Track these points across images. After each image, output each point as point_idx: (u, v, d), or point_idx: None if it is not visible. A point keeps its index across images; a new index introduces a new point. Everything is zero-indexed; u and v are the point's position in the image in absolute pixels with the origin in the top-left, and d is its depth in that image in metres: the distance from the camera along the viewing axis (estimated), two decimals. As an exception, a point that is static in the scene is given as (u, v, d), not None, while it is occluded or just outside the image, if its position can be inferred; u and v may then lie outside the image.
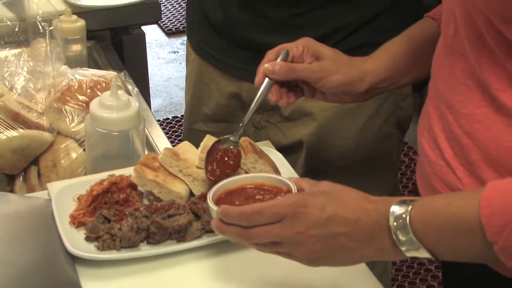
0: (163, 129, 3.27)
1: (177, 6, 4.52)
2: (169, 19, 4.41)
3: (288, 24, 1.40)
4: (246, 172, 1.12)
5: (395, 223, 0.82)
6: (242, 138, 1.17)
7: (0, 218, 1.05)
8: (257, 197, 0.96)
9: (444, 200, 0.85)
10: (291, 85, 1.15)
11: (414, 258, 2.58)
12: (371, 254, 0.87)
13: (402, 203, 0.83)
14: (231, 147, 1.13)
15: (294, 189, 0.93)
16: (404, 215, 0.82)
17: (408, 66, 1.15)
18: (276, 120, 1.48)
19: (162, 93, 3.75)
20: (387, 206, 0.83)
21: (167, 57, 4.08)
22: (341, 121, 1.42)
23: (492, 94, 0.87)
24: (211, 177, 1.11)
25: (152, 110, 1.64)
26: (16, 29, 1.44)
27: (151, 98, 3.00)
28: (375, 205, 0.85)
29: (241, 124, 1.14)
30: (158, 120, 3.34)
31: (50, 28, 1.39)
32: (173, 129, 3.39)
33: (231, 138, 1.14)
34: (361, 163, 1.43)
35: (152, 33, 4.24)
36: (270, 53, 1.14)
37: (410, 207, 0.82)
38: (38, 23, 1.39)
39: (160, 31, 4.33)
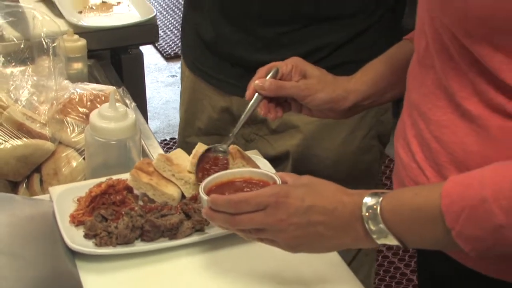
0: (161, 149, 3.36)
1: (175, 31, 4.63)
2: (168, 44, 4.52)
3: (276, 42, 1.48)
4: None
5: (367, 213, 0.91)
6: (231, 146, 1.25)
7: (9, 218, 1.13)
8: (245, 189, 1.03)
9: (411, 192, 0.93)
10: (280, 101, 1.22)
11: (390, 263, 2.65)
12: (347, 242, 0.95)
13: (374, 195, 0.92)
14: (220, 156, 1.21)
15: (278, 182, 1.01)
16: (375, 206, 0.90)
17: (389, 85, 1.24)
18: (264, 133, 1.57)
19: (161, 115, 3.85)
20: (361, 197, 0.92)
21: (165, 81, 4.18)
22: (325, 133, 1.51)
23: (457, 102, 0.95)
24: (200, 183, 1.19)
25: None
26: (22, 46, 1.53)
27: (149, 120, 3.08)
28: (351, 197, 0.94)
29: (231, 135, 1.22)
30: (156, 141, 3.43)
31: (53, 45, 1.48)
32: (171, 150, 3.47)
33: (220, 147, 1.22)
34: (344, 173, 1.51)
35: (151, 57, 4.35)
36: (261, 70, 1.22)
37: (381, 198, 0.91)
38: (43, 40, 1.48)
39: (159, 55, 4.44)
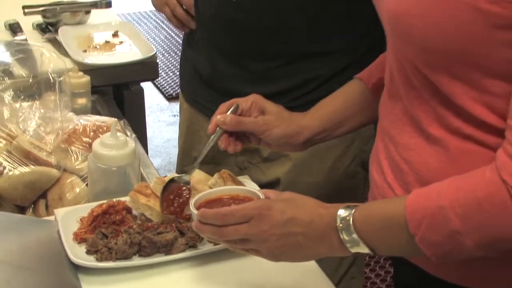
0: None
1: (177, 73, 4.77)
2: (169, 84, 4.65)
3: (266, 76, 1.59)
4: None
5: (341, 224, 1.00)
6: (223, 170, 1.36)
7: (18, 235, 1.23)
8: (232, 205, 1.12)
9: (380, 204, 1.04)
10: (239, 134, 1.30)
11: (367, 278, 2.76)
12: (324, 251, 1.04)
13: (347, 207, 1.01)
14: (184, 187, 1.29)
15: (262, 197, 1.11)
16: (348, 217, 1.00)
17: (340, 121, 1.33)
18: (257, 161, 1.67)
19: (162, 153, 3.95)
20: (336, 210, 1.02)
21: (167, 120, 4.30)
22: (313, 161, 1.61)
23: (421, 127, 1.06)
24: (165, 212, 1.27)
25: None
26: (30, 81, 1.63)
27: (151, 158, 3.19)
28: (327, 210, 1.03)
29: (192, 166, 1.30)
30: (158, 178, 3.53)
31: (59, 79, 1.59)
32: (172, 186, 3.56)
33: (184, 177, 1.30)
34: (331, 197, 1.57)
35: (153, 97, 4.48)
36: (223, 106, 1.30)
37: (353, 210, 1.01)
38: (50, 76, 1.59)
39: (161, 96, 4.57)
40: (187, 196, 1.26)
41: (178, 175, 1.31)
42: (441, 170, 1.02)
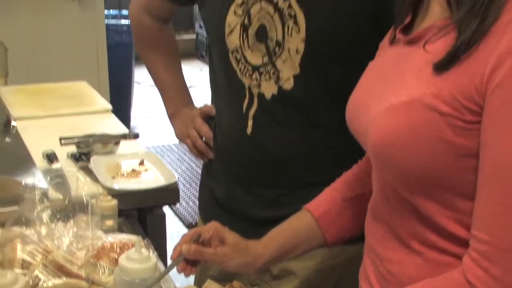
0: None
1: (197, 202, 4.96)
2: (190, 214, 4.84)
3: (276, 202, 1.77)
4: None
5: None
6: (235, 282, 1.52)
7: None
8: None
9: None
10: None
11: None
12: None
13: None
14: None
15: None
16: None
17: (289, 249, 1.50)
18: (267, 278, 1.82)
19: (181, 277, 4.06)
20: None
21: (186, 248, 4.45)
22: (318, 278, 1.75)
23: (404, 242, 1.22)
24: None
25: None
26: (66, 203, 1.83)
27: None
28: None
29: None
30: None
31: (92, 201, 1.78)
32: (189, 311, 3.67)
33: None
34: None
35: (174, 226, 4.65)
36: (186, 236, 1.46)
37: None
38: (84, 198, 1.78)
39: (181, 224, 4.74)
40: None
41: None
42: (421, 279, 1.18)
